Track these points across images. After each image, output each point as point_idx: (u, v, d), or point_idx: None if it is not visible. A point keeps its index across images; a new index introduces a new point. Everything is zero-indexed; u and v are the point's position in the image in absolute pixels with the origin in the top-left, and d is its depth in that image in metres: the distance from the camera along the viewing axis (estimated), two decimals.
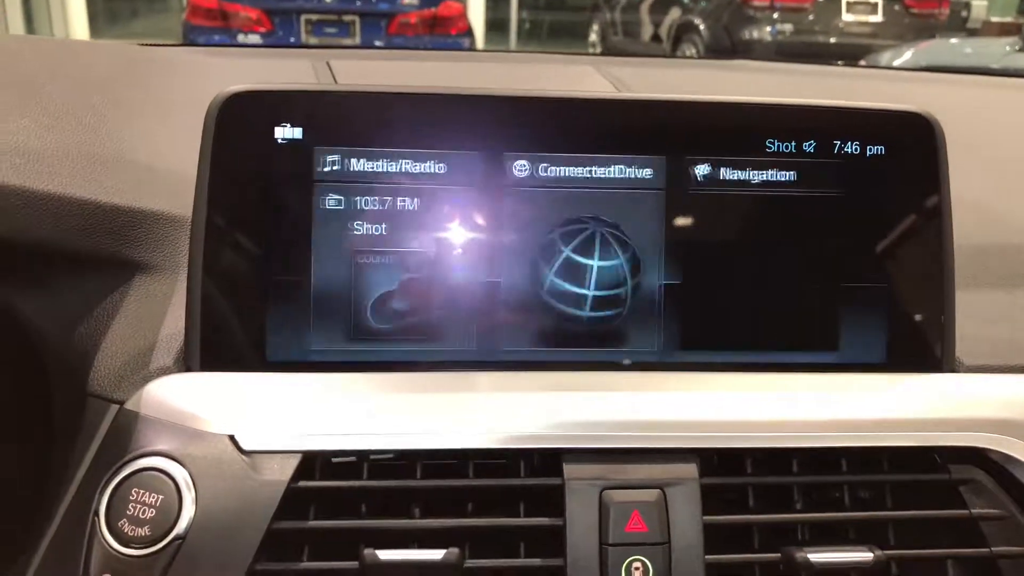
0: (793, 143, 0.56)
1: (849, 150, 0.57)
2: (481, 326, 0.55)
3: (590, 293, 0.56)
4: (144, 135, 0.65)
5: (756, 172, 0.56)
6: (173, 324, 0.56)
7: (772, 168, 0.56)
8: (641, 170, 0.56)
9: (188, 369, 0.53)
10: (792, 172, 0.56)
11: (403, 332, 0.55)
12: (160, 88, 0.72)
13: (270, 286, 0.54)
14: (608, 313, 0.56)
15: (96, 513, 0.48)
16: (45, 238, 0.53)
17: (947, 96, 0.59)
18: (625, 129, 0.56)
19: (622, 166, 0.56)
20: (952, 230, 0.57)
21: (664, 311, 0.56)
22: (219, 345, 0.54)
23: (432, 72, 1.06)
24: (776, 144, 0.56)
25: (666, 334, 0.56)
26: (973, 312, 0.59)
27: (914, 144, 0.57)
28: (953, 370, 0.57)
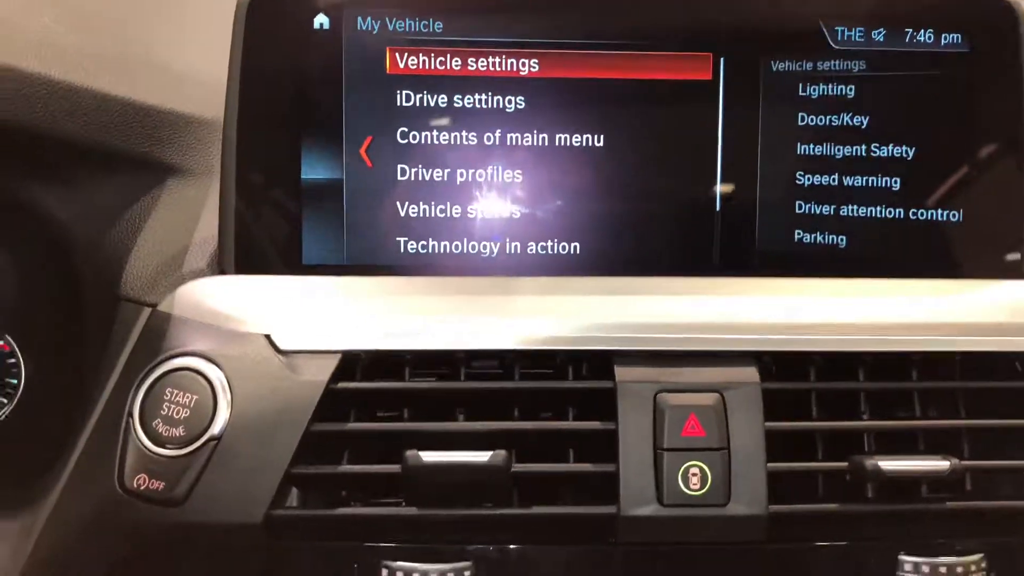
0: (861, 30, 0.52)
1: (922, 39, 0.53)
2: (527, 233, 0.53)
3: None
4: (175, 43, 0.63)
5: (823, 63, 0.53)
6: (206, 228, 0.54)
7: (839, 58, 0.53)
8: (696, 66, 0.53)
9: (222, 272, 0.51)
10: (862, 61, 0.52)
11: (446, 237, 0.53)
12: (192, 3, 0.70)
13: (306, 187, 0.52)
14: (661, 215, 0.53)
15: (130, 414, 0.46)
16: (72, 133, 0.51)
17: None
18: (676, 23, 0.53)
19: (675, 62, 0.53)
20: None
21: (722, 215, 0.53)
22: (253, 248, 0.51)
23: None
24: (844, 32, 0.52)
25: (723, 238, 0.53)
26: None
27: (995, 34, 0.53)
28: None
